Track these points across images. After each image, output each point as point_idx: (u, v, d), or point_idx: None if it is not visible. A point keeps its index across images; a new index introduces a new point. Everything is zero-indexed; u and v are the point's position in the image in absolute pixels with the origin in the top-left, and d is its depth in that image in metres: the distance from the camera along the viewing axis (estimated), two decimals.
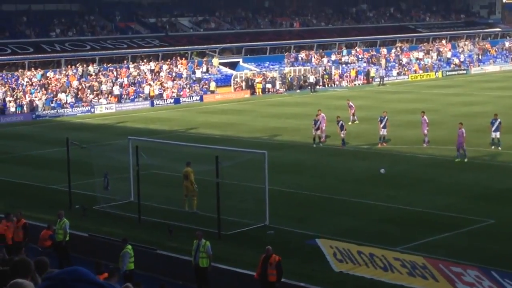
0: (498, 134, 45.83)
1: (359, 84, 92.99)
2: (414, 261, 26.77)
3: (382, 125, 48.88)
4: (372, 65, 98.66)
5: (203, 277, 24.95)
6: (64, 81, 78.63)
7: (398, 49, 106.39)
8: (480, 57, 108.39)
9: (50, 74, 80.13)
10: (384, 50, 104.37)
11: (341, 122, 49.38)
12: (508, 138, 47.28)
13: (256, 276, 23.77)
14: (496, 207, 33.28)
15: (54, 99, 74.56)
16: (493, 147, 45.58)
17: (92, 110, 73.66)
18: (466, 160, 42.39)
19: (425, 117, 48.08)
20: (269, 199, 31.95)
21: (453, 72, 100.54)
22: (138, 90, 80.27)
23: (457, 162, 42.26)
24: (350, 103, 59.59)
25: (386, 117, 49.04)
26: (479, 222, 31.25)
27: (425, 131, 47.74)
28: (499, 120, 46.19)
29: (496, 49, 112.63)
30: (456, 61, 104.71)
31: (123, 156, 37.35)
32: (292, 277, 24.92)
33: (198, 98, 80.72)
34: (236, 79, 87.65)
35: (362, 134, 52.35)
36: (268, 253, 23.69)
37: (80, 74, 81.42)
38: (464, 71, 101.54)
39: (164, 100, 78.95)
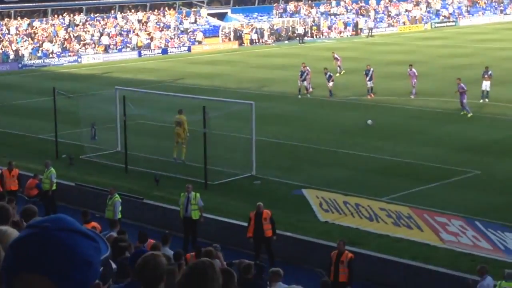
0: (488, 87, 45.74)
1: (347, 36, 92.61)
2: (400, 211, 26.98)
3: (368, 78, 48.91)
4: (361, 17, 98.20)
5: (193, 228, 24.97)
6: (51, 31, 78.02)
7: (387, 0, 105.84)
8: (469, 8, 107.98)
9: (36, 23, 79.45)
10: (373, 1, 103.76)
11: (328, 73, 49.30)
12: (495, 91, 47.30)
13: (249, 234, 23.66)
14: (482, 159, 33.44)
15: (40, 48, 74.04)
16: (481, 100, 45.48)
17: (79, 60, 73.19)
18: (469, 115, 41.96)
19: (413, 69, 48.13)
20: (256, 149, 32.00)
21: (442, 24, 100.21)
22: (126, 40, 79.76)
23: (463, 116, 42.01)
24: (336, 55, 59.42)
25: (371, 70, 49.02)
26: (464, 173, 31.41)
27: (413, 83, 47.77)
28: (490, 71, 46.20)
29: (485, 1, 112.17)
30: (445, 12, 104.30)
31: (110, 106, 37.25)
32: (278, 227, 25.04)
33: (186, 48, 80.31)
34: (224, 30, 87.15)
35: (350, 86, 52.27)
36: (260, 210, 23.60)
37: (67, 23, 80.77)
38: (453, 23, 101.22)
39: (151, 50, 78.49)
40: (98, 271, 2.48)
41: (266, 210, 23.66)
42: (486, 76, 46.12)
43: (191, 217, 24.90)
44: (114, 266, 4.72)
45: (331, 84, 48.97)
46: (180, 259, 16.24)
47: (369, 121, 39.93)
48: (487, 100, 45.54)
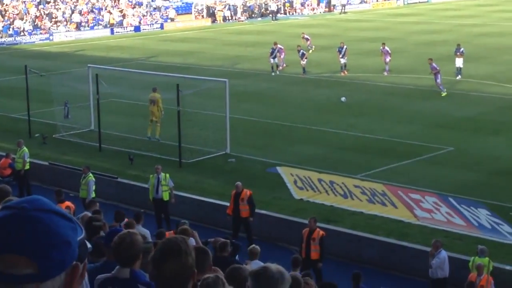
0: (461, 63, 45.88)
1: (320, 12, 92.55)
2: (374, 188, 27.12)
3: (341, 55, 48.95)
4: None
5: (165, 209, 24.81)
6: (22, 8, 77.22)
7: None
8: None
9: (6, 1, 78.57)
10: None
11: (301, 51, 49.26)
12: (468, 67, 47.54)
13: (228, 211, 23.68)
14: (455, 135, 33.64)
15: (11, 26, 73.29)
16: (457, 77, 45.55)
17: (51, 38, 72.56)
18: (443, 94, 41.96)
19: (386, 47, 48.15)
20: (230, 127, 31.98)
21: (415, 0, 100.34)
22: (98, 17, 79.17)
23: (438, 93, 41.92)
24: (305, 36, 59.16)
25: (345, 47, 49.02)
26: (438, 149, 31.59)
27: (386, 61, 47.84)
28: (462, 48, 46.35)
29: None
30: None
31: (83, 85, 36.99)
32: None
33: (158, 26, 79.87)
34: (197, 7, 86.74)
35: (323, 63, 52.28)
36: (238, 190, 23.57)
37: (38, 1, 79.96)
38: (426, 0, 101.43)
39: (124, 28, 77.97)
40: (76, 252, 2.49)
41: (246, 190, 23.57)
42: (458, 53, 46.27)
43: (162, 198, 24.65)
44: (89, 245, 4.73)
45: (304, 61, 48.96)
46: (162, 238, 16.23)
47: (343, 98, 39.98)
48: (459, 77, 45.72)
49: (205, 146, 31.59)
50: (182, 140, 30.16)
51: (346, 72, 48.38)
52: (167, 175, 24.93)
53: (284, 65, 50.43)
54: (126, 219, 18.18)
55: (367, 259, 22.08)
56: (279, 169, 29.65)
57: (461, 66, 46.00)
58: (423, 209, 25.30)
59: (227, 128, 31.85)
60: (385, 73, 47.41)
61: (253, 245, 17.64)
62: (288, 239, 23.14)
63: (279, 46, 50.32)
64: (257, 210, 24.34)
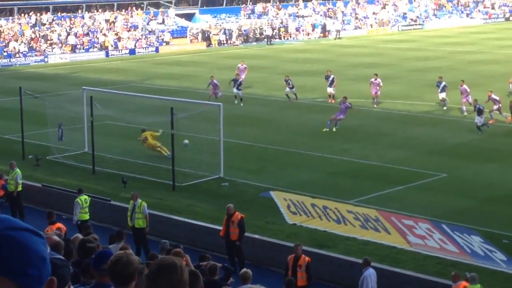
0: (444, 95, 45.42)
1: (315, 38, 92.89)
2: (367, 213, 27.09)
3: (328, 83, 48.43)
4: (329, 19, 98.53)
5: (141, 238, 24.34)
6: (17, 30, 77.38)
7: (355, 2, 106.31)
8: (435, 12, 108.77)
9: (2, 22, 78.74)
10: (340, 4, 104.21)
11: (289, 80, 48.30)
12: (458, 94, 47.62)
13: (221, 234, 23.63)
14: (449, 162, 33.68)
15: (6, 48, 73.39)
16: (445, 108, 45.25)
17: (46, 59, 72.66)
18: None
19: (378, 79, 46.93)
20: (224, 151, 31.98)
21: (409, 27, 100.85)
22: (93, 40, 79.33)
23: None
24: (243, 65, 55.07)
25: (332, 76, 48.39)
26: (431, 176, 31.61)
27: (374, 93, 46.45)
28: (443, 83, 45.75)
29: (452, 4, 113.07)
30: (412, 15, 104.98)
31: (77, 107, 37.02)
32: (246, 229, 25.04)
33: (154, 49, 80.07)
34: (192, 31, 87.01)
35: (317, 88, 52.35)
36: (230, 212, 23.51)
37: (33, 23, 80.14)
38: (420, 26, 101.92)
39: (119, 50, 78.14)
40: (49, 266, 2.50)
41: (238, 213, 23.50)
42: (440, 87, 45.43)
43: (134, 226, 24.49)
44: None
45: (291, 91, 48.57)
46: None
47: (185, 141, 34.41)
48: (445, 108, 44.97)
49: (199, 170, 31.57)
50: (175, 163, 30.15)
51: (333, 101, 47.32)
52: (143, 202, 24.61)
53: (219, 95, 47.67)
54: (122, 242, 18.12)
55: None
56: (273, 194, 29.63)
57: (445, 97, 45.14)
58: (416, 235, 25.28)
59: (221, 152, 31.85)
60: (374, 105, 46.17)
61: (245, 270, 17.60)
62: (281, 264, 23.02)
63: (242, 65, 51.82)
64: (250, 235, 24.30)
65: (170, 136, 30.36)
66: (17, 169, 28.15)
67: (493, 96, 41.75)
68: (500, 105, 41.09)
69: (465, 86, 44.24)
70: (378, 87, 46.72)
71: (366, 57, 70.38)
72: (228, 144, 33.77)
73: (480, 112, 38.82)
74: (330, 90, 48.37)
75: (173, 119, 30.14)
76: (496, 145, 36.83)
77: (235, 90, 48.13)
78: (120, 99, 44.64)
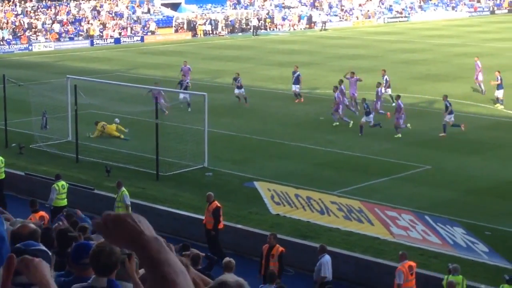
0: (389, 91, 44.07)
1: (301, 29, 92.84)
2: (351, 204, 27.14)
3: (293, 80, 45.95)
4: (315, 10, 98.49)
5: None
6: (1, 17, 76.90)
7: None
8: (421, 4, 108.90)
9: None
10: None
11: (238, 78, 44.47)
12: (447, 87, 47.83)
13: (204, 222, 23.75)
14: (433, 153, 33.77)
15: None
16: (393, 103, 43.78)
17: (30, 47, 72.30)
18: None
19: (355, 77, 43.19)
20: (208, 141, 31.95)
21: (395, 19, 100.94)
22: (78, 28, 78.98)
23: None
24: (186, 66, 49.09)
25: (298, 72, 46.04)
26: (415, 167, 31.70)
27: (353, 94, 42.45)
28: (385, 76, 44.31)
29: None
30: (398, 8, 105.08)
31: (61, 95, 36.87)
32: (229, 219, 25.06)
33: (139, 38, 79.81)
34: (177, 21, 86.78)
35: (302, 79, 52.28)
36: (208, 200, 23.62)
37: (18, 10, 79.68)
38: (406, 18, 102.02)
39: (104, 39, 77.85)
40: (8, 244, 2.50)
41: (215, 202, 23.48)
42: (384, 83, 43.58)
43: None
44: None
45: (237, 91, 44.60)
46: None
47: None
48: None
49: (183, 160, 31.54)
50: (160, 153, 30.09)
51: (302, 100, 44.88)
52: (124, 192, 24.59)
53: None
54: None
55: (343, 275, 22.06)
56: (256, 184, 29.64)
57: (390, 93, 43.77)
58: (399, 227, 25.36)
59: (205, 141, 31.81)
60: (352, 108, 41.42)
61: (229, 259, 17.59)
62: None
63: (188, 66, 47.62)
64: (233, 224, 24.36)
65: (154, 125, 30.28)
66: (0, 157, 28.01)
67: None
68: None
69: (356, 77, 43.03)
70: (354, 86, 42.64)
71: (351, 49, 70.40)
72: (213, 134, 33.73)
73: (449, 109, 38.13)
74: (294, 88, 45.62)
75: (157, 107, 30.10)
76: (479, 137, 36.96)
77: (181, 96, 42.36)
78: (105, 88, 44.48)
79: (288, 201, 27.80)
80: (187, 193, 28.55)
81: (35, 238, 7.04)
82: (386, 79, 44.00)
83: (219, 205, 23.47)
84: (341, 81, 40.80)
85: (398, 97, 38.33)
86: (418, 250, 23.41)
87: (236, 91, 44.52)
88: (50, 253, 5.32)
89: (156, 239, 2.89)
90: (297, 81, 45.53)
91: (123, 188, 24.76)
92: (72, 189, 25.64)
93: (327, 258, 20.29)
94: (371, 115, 37.72)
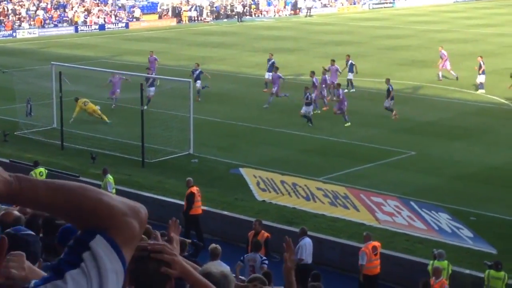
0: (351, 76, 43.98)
1: (286, 15, 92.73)
2: (336, 191, 27.21)
3: (267, 68, 45.19)
4: None
5: None
6: None
7: None
8: None
9: None
10: None
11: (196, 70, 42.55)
12: (432, 73, 47.95)
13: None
14: (418, 140, 33.87)
15: None
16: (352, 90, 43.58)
17: (14, 34, 71.88)
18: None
19: (335, 65, 42.74)
20: (194, 128, 31.94)
21: (380, 5, 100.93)
22: (62, 15, 78.59)
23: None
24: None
25: (273, 60, 45.56)
26: (400, 154, 31.80)
27: (333, 80, 41.47)
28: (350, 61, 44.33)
29: None
30: None
31: (46, 82, 36.74)
32: (215, 206, 25.13)
33: (123, 25, 79.50)
34: (162, 7, 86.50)
35: (287, 65, 52.24)
36: (187, 185, 24.03)
37: None
38: (390, 4, 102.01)
39: (88, 26, 77.50)
40: None
41: (193, 188, 23.84)
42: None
43: None
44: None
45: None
46: None
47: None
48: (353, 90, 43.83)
49: (168, 146, 31.52)
50: (145, 139, 30.06)
51: (268, 91, 42.47)
52: (107, 179, 24.67)
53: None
54: None
55: (329, 261, 22.15)
56: (242, 170, 29.66)
57: (352, 78, 43.88)
58: (385, 213, 25.46)
59: (190, 128, 31.81)
60: (332, 98, 40.34)
61: (215, 245, 17.60)
62: None
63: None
64: (219, 211, 24.43)
65: (140, 112, 30.24)
66: None
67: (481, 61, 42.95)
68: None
69: (336, 66, 42.63)
70: (335, 75, 42.04)
71: (336, 35, 70.40)
72: (198, 121, 33.72)
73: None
74: (268, 76, 44.21)
75: (142, 94, 30.04)
76: (464, 123, 37.07)
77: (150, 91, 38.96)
78: (90, 74, 44.32)
79: (274, 187, 27.85)
80: (173, 180, 28.54)
81: (19, 225, 7.03)
82: (351, 63, 44.08)
83: (193, 190, 23.60)
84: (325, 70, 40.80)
85: (338, 85, 38.33)
86: (404, 235, 23.53)
87: (267, 75, 44.32)
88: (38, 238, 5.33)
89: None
90: (271, 68, 44.41)
91: (109, 175, 24.79)
92: (57, 176, 25.57)
93: (306, 240, 20.50)
94: (311, 106, 37.04)
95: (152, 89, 39.25)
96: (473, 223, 24.34)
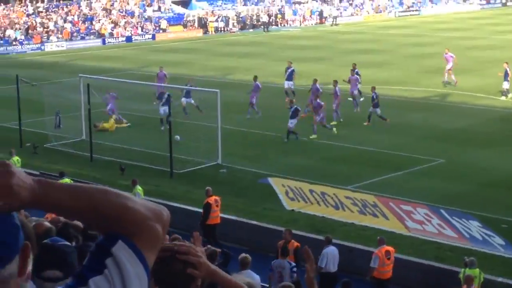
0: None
1: (312, 24, 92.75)
2: (365, 199, 27.13)
3: (286, 76, 45.12)
4: (325, 5, 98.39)
5: None
6: (13, 18, 77.15)
7: None
8: None
9: None
10: None
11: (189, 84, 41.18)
12: (458, 80, 47.70)
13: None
14: (446, 147, 33.70)
15: (2, 35, 73.20)
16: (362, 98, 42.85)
17: (42, 47, 72.51)
18: None
19: (356, 75, 42.89)
20: (221, 137, 31.99)
21: (406, 13, 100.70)
22: (90, 27, 79.15)
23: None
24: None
25: (292, 68, 45.42)
26: (428, 161, 31.65)
27: (354, 92, 42.01)
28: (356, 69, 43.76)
29: None
30: (409, 1, 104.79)
31: (74, 95, 36.98)
32: (244, 216, 25.14)
33: (150, 36, 79.92)
34: (188, 18, 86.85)
35: (314, 74, 52.14)
36: (206, 195, 24.16)
37: (30, 10, 79.93)
38: (417, 12, 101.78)
39: (115, 38, 77.99)
40: (22, 233, 2.50)
41: (210, 198, 23.98)
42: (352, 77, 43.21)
43: None
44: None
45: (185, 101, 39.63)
46: None
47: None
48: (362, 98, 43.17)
49: (197, 157, 31.58)
50: (173, 150, 30.16)
51: (288, 100, 40.46)
52: (136, 190, 24.75)
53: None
54: None
55: (359, 270, 22.04)
56: (271, 180, 29.66)
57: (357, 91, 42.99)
58: (415, 221, 25.34)
59: (218, 138, 31.86)
60: (358, 109, 40.91)
61: (245, 255, 17.62)
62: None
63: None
64: (248, 221, 24.40)
65: (168, 123, 30.35)
66: (16, 156, 28.18)
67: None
68: None
69: (356, 76, 42.41)
70: (356, 84, 42.35)
71: (362, 44, 70.30)
72: (226, 131, 33.77)
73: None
74: (288, 85, 44.52)
75: (170, 105, 30.16)
76: (492, 130, 36.85)
77: (161, 110, 37.09)
78: (117, 86, 44.52)
79: (303, 196, 27.83)
80: (201, 190, 28.48)
81: (50, 237, 7.08)
82: (357, 72, 43.56)
83: (210, 201, 23.65)
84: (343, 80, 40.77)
85: (336, 82, 38.73)
86: (434, 243, 23.40)
87: (184, 100, 39.24)
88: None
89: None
90: (290, 77, 44.48)
91: (138, 186, 24.91)
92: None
93: (330, 249, 20.47)
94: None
95: (164, 108, 35.52)
96: (505, 230, 24.15)
